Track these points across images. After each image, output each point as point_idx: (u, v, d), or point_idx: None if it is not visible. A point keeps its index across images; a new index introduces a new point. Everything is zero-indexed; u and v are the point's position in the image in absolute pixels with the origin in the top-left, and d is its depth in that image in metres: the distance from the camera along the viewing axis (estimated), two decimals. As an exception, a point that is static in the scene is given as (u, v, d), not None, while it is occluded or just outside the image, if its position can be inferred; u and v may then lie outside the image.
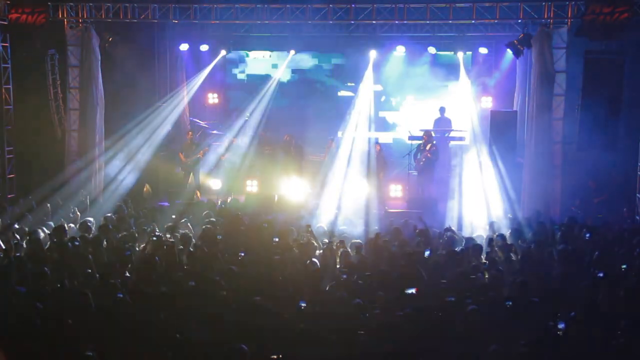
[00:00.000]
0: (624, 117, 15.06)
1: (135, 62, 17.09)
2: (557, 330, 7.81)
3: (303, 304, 8.39)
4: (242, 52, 20.85)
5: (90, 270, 9.63)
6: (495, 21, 16.04)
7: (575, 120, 15.34)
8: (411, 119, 19.96)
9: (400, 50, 19.27)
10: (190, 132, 18.47)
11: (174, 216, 13.91)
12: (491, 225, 13.52)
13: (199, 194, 17.18)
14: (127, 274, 9.92)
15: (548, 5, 14.90)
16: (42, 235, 11.64)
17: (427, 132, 17.45)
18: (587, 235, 12.24)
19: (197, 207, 14.71)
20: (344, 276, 9.62)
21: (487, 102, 19.26)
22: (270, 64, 20.93)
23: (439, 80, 19.93)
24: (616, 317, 8.04)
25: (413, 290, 8.80)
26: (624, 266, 10.43)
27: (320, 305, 8.50)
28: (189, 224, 12.82)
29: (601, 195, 15.69)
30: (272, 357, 7.16)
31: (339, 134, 18.89)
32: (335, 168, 17.33)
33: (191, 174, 17.79)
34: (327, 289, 9.41)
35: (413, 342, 7.48)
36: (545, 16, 15.01)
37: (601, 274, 9.54)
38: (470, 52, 19.73)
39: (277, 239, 11.34)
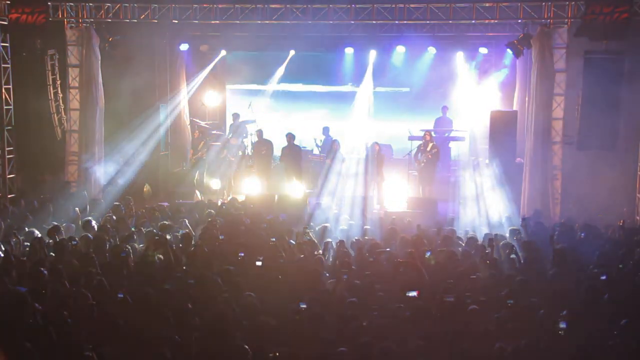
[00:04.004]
0: (624, 117, 15.04)
1: (135, 62, 17.11)
2: (558, 329, 7.81)
3: (303, 305, 8.38)
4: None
5: (90, 270, 9.62)
6: (495, 21, 16.04)
7: (575, 120, 15.33)
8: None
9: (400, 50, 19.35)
10: (197, 131, 18.63)
11: (172, 215, 13.90)
12: (491, 225, 13.54)
13: (198, 194, 17.18)
14: (128, 274, 9.91)
15: (548, 5, 14.91)
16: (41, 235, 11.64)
17: (428, 132, 17.47)
18: (582, 234, 12.26)
19: (197, 207, 14.71)
20: (345, 276, 9.62)
21: (494, 101, 19.24)
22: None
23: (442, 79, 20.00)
24: (616, 317, 8.05)
25: (414, 293, 8.80)
26: (620, 265, 10.44)
27: (321, 305, 8.50)
28: (188, 224, 12.80)
29: None
30: (271, 355, 7.16)
31: (340, 134, 18.93)
32: (336, 168, 17.34)
33: (197, 172, 17.89)
34: (327, 289, 9.40)
35: (413, 342, 7.49)
36: (545, 16, 15.01)
37: (604, 277, 9.53)
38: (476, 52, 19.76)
39: (273, 239, 11.30)
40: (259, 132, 18.46)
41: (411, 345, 7.42)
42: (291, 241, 11.57)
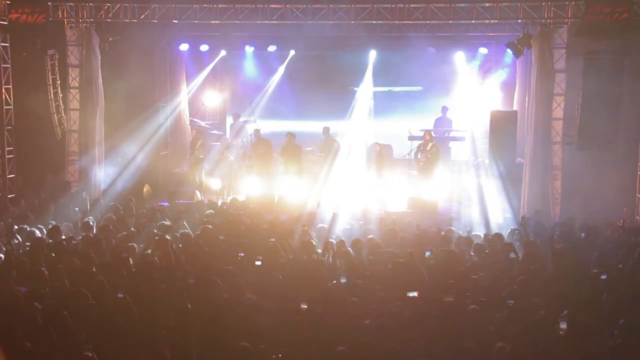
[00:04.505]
0: (624, 117, 15.05)
1: (135, 62, 17.11)
2: (558, 329, 7.81)
3: (304, 306, 8.37)
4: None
5: (90, 270, 9.62)
6: (495, 21, 16.06)
7: (575, 120, 15.34)
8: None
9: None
10: (195, 131, 18.64)
11: (172, 216, 13.89)
12: (491, 225, 13.53)
13: (198, 194, 17.17)
14: (128, 274, 9.91)
15: (548, 5, 14.92)
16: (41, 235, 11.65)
17: (428, 132, 17.48)
18: (582, 234, 12.26)
19: (197, 207, 14.70)
20: (344, 278, 9.61)
21: (494, 101, 19.24)
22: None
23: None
24: (616, 317, 8.04)
25: (414, 293, 8.79)
26: (620, 265, 10.43)
27: (321, 305, 8.50)
28: (187, 224, 12.80)
29: None
30: (273, 357, 7.15)
31: (340, 134, 18.93)
32: (336, 168, 17.34)
33: (197, 172, 17.90)
34: (327, 288, 9.39)
35: (414, 342, 7.48)
36: (545, 16, 15.02)
37: (604, 277, 9.52)
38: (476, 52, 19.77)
39: (273, 239, 11.30)
40: (257, 132, 18.46)
41: (412, 345, 7.42)
42: (291, 241, 11.57)
